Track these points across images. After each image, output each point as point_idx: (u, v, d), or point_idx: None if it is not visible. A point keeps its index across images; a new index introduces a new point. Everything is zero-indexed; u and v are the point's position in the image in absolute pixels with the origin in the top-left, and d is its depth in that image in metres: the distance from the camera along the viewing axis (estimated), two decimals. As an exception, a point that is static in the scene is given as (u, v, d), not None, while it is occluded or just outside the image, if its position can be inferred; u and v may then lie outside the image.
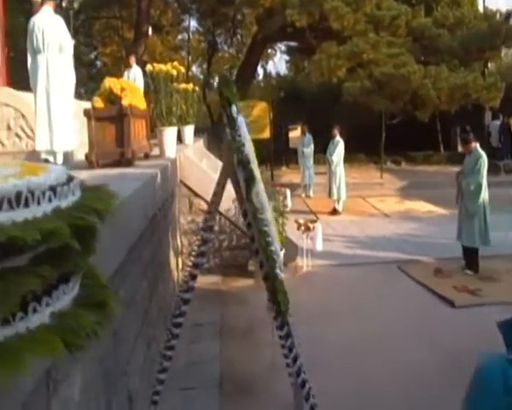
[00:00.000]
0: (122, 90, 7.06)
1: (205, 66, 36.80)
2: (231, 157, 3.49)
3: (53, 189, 1.62)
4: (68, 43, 7.06)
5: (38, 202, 1.55)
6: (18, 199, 1.50)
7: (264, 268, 3.67)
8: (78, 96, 7.50)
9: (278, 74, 38.16)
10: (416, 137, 24.42)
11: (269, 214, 3.83)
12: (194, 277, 3.96)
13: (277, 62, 72.83)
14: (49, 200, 1.59)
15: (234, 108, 3.51)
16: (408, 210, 15.99)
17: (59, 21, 7.07)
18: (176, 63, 8.78)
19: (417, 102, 21.37)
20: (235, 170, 3.47)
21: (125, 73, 14.13)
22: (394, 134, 23.30)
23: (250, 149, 3.62)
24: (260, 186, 3.65)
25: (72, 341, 1.53)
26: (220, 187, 3.76)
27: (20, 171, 1.80)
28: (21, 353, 1.44)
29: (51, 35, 6.88)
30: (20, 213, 1.48)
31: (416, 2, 23.34)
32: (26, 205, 1.51)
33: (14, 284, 1.46)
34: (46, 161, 6.82)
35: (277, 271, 3.59)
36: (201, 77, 36.93)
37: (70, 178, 1.79)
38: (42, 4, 7.39)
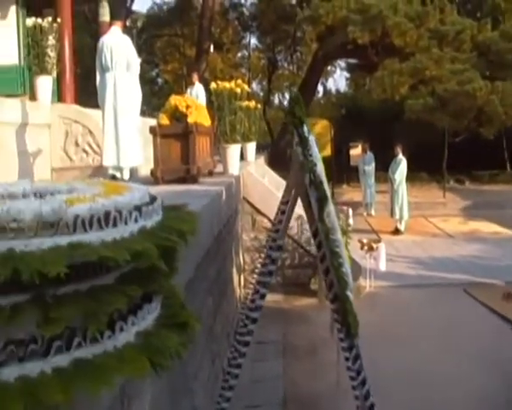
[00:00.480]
0: (187, 107, 7.15)
1: (265, 83, 37.02)
2: (303, 177, 3.47)
3: (138, 209, 1.63)
4: (135, 61, 7.20)
5: (126, 222, 1.56)
6: (107, 219, 1.52)
7: (333, 289, 3.61)
8: (141, 112, 7.68)
9: (338, 91, 38.08)
10: (481, 155, 23.72)
11: (339, 235, 3.79)
12: (262, 296, 3.94)
13: (337, 79, 72.72)
14: (136, 220, 1.60)
15: (305, 128, 3.49)
16: (473, 231, 15.58)
17: (126, 41, 7.23)
18: (239, 81, 8.85)
19: (482, 119, 20.85)
20: (307, 190, 3.45)
21: (188, 90, 14.32)
22: (457, 152, 22.74)
23: (322, 169, 3.59)
24: (331, 206, 3.61)
25: (158, 361, 1.53)
26: (290, 206, 3.74)
27: (105, 190, 1.83)
28: (109, 371, 1.45)
29: (119, 54, 7.03)
30: (109, 233, 1.50)
31: (482, 16, 22.82)
32: (115, 225, 1.53)
33: (103, 302, 1.47)
34: (113, 177, 6.95)
35: (348, 293, 3.53)
36: (261, 94, 37.14)
37: (153, 198, 1.81)
38: (110, 25, 7.58)
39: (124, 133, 6.97)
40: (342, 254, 3.60)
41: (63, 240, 1.42)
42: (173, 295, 1.86)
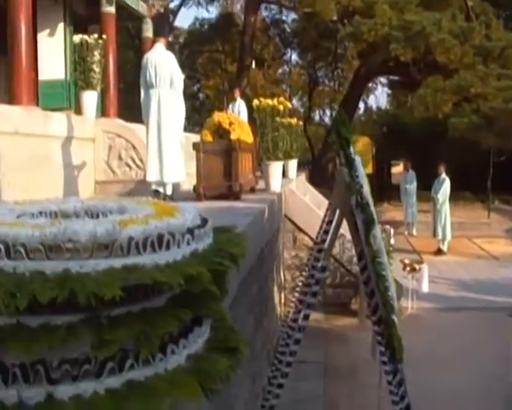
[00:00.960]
0: (231, 124, 7.19)
1: (305, 99, 37.02)
2: (349, 198, 3.44)
3: (191, 231, 1.63)
4: (179, 78, 7.23)
5: (178, 245, 1.56)
6: (160, 241, 1.52)
7: (378, 312, 3.56)
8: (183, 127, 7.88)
9: (379, 108, 37.85)
10: (527, 175, 23.24)
11: (385, 258, 3.74)
12: (306, 316, 3.91)
13: (378, 96, 72.29)
14: (188, 243, 1.60)
15: (352, 149, 3.46)
16: (519, 253, 15.19)
17: (170, 57, 7.28)
18: (282, 98, 8.86)
19: (529, 138, 20.41)
20: (353, 211, 3.41)
21: (230, 106, 14.40)
22: (503, 171, 22.26)
23: (368, 191, 3.55)
24: (378, 229, 3.57)
25: (209, 385, 1.52)
26: (334, 227, 3.70)
27: (156, 211, 1.83)
28: (160, 393, 1.45)
29: (163, 70, 7.09)
30: (162, 256, 1.50)
31: (530, 31, 22.36)
32: (168, 247, 1.53)
33: (155, 325, 1.47)
34: (156, 192, 7.00)
35: (394, 317, 3.47)
36: (302, 110, 37.16)
37: (204, 220, 1.81)
38: (154, 41, 7.67)
39: (167, 149, 7.02)
40: (388, 278, 3.55)
41: (118, 262, 1.42)
42: (222, 317, 1.85)
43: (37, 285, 1.34)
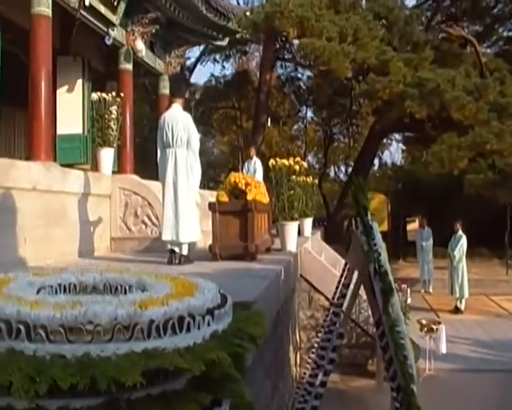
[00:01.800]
0: (247, 185, 7.22)
1: (320, 155, 37.19)
2: (367, 265, 3.42)
3: (211, 312, 1.63)
4: (195, 138, 7.26)
5: (198, 327, 1.56)
6: (181, 324, 1.51)
7: (397, 380, 3.50)
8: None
9: (394, 164, 37.89)
10: (546, 231, 22.95)
11: (404, 326, 3.69)
12: (323, 384, 3.84)
13: (393, 152, 72.50)
14: (208, 324, 1.59)
15: (369, 216, 3.46)
16: (541, 312, 14.92)
17: (187, 118, 7.32)
18: (298, 158, 8.90)
19: (547, 194, 20.26)
20: (372, 279, 3.39)
21: (246, 164, 14.46)
22: (521, 227, 22.07)
23: (386, 259, 3.53)
24: (396, 297, 3.53)
25: None
26: (352, 292, 3.67)
27: (176, 289, 1.83)
28: None
29: (180, 131, 7.14)
30: (182, 339, 1.49)
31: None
32: (188, 330, 1.52)
33: (175, 409, 1.46)
34: (172, 251, 7.00)
35: (413, 386, 3.41)
36: (317, 166, 37.33)
37: (224, 298, 1.80)
38: (171, 101, 7.76)
39: (183, 209, 7.02)
40: (407, 346, 3.50)
41: (138, 346, 1.42)
42: (241, 395, 1.82)
43: (58, 370, 1.34)
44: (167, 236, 7.04)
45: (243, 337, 1.64)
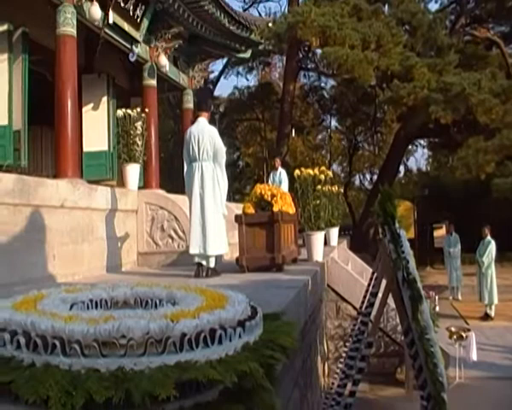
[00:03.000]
0: (273, 196, 7.24)
1: (345, 164, 37.08)
2: (395, 273, 3.41)
3: (242, 324, 1.65)
4: (221, 152, 7.27)
5: (230, 339, 1.58)
6: (212, 336, 1.54)
7: (427, 389, 3.48)
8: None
9: (419, 170, 37.62)
10: None
11: (433, 333, 3.67)
12: (352, 394, 3.83)
13: (418, 158, 72.02)
14: (240, 336, 1.61)
15: (397, 224, 3.45)
16: None
17: (213, 132, 7.34)
18: (323, 168, 8.90)
19: None
20: (400, 287, 3.38)
21: (271, 175, 14.49)
22: (550, 231, 21.75)
23: (414, 266, 3.52)
24: (425, 305, 3.52)
25: None
26: (381, 302, 3.67)
27: (206, 301, 1.85)
28: None
29: (206, 144, 7.18)
30: (214, 351, 1.51)
31: None
32: (220, 342, 1.55)
33: (208, 422, 1.48)
34: (199, 264, 7.02)
35: (443, 394, 3.38)
36: (342, 175, 37.22)
37: (254, 310, 1.82)
38: (197, 115, 7.80)
39: (210, 223, 7.03)
40: (437, 355, 3.48)
41: (171, 359, 1.44)
42: (272, 406, 1.83)
43: (93, 384, 1.36)
44: (195, 249, 7.06)
45: (274, 348, 1.65)
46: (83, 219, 7.62)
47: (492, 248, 15.25)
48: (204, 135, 7.20)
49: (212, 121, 8.51)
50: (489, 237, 15.41)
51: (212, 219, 7.01)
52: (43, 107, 9.54)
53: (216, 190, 7.10)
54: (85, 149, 11.77)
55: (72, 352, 1.46)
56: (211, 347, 1.52)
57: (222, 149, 7.24)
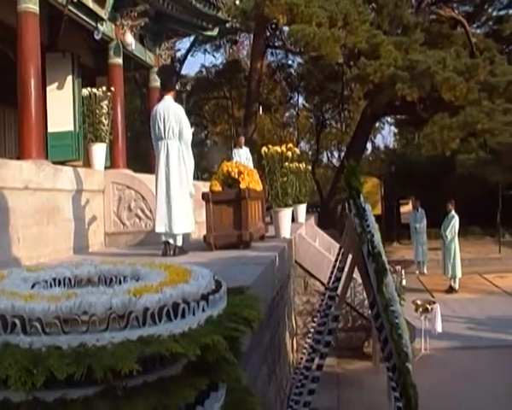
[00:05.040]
0: (239, 173, 7.22)
1: (313, 141, 37.17)
2: (360, 247, 3.45)
3: (205, 298, 1.64)
4: (187, 130, 7.21)
5: (193, 313, 1.58)
6: (175, 310, 1.53)
7: (392, 360, 3.53)
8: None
9: (387, 147, 37.94)
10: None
11: (398, 305, 3.72)
12: (320, 367, 3.88)
13: (385, 135, 72.47)
14: (203, 309, 1.61)
15: (362, 198, 3.48)
16: (533, 288, 15.03)
17: (178, 110, 7.26)
18: (290, 145, 8.91)
19: (538, 170, 20.34)
20: (365, 261, 3.42)
21: (235, 152, 14.41)
22: (512, 204, 22.17)
23: (379, 240, 3.56)
24: (390, 277, 3.57)
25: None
26: (347, 275, 3.70)
27: (169, 276, 1.85)
28: None
29: (171, 123, 7.12)
30: (177, 325, 1.51)
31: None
32: (183, 316, 1.54)
33: (172, 395, 1.47)
34: (166, 243, 7.00)
35: (408, 364, 3.44)
36: (310, 152, 37.32)
37: (218, 284, 1.82)
38: (162, 93, 7.72)
39: (176, 201, 6.98)
40: (402, 326, 3.53)
41: (133, 334, 1.43)
42: (237, 379, 1.84)
43: (54, 361, 1.35)
44: (161, 228, 7.05)
45: (238, 321, 1.66)
46: (48, 200, 7.51)
47: (456, 222, 15.54)
48: (169, 113, 7.14)
49: (179, 100, 8.44)
50: (453, 212, 15.68)
51: (177, 198, 6.97)
52: (5, 86, 9.33)
53: (182, 168, 7.05)
54: (50, 129, 11.57)
55: (32, 330, 1.44)
56: (174, 321, 1.51)
57: (187, 126, 7.19)
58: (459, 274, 15.35)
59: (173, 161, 7.03)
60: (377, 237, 3.53)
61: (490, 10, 26.13)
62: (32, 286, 1.96)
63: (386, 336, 3.58)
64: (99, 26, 10.47)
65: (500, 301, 13.55)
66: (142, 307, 1.48)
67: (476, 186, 22.01)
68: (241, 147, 14.39)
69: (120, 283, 2.07)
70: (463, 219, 16.79)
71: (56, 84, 11.85)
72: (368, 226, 3.44)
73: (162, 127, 7.14)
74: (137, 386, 1.47)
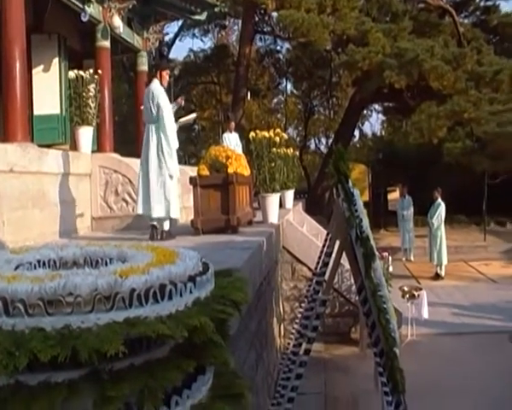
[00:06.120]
0: (227, 158, 7.19)
1: (300, 128, 37.13)
2: (348, 232, 3.43)
3: (193, 279, 1.62)
4: (164, 109, 7.00)
5: (180, 294, 1.55)
6: (162, 292, 1.50)
7: (380, 345, 3.53)
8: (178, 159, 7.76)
9: (374, 135, 37.97)
10: (522, 197, 23.19)
11: (386, 290, 3.72)
12: (307, 351, 3.87)
13: (373, 123, 72.65)
14: (190, 291, 1.58)
15: (350, 183, 3.46)
16: (517, 275, 15.18)
17: (156, 90, 7.07)
18: (278, 130, 8.88)
19: (523, 159, 20.49)
20: (353, 245, 3.40)
21: (225, 137, 14.33)
22: (497, 193, 22.21)
23: (367, 224, 3.54)
24: (378, 262, 3.56)
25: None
26: (335, 260, 3.69)
27: (156, 257, 1.82)
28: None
29: (151, 105, 7.02)
30: (164, 307, 1.48)
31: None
32: (170, 298, 1.51)
33: (159, 378, 1.45)
34: (154, 227, 6.94)
35: (395, 349, 3.44)
36: (297, 139, 37.28)
37: (206, 266, 1.79)
38: (150, 76, 7.61)
39: (153, 186, 6.86)
40: (389, 311, 3.53)
41: (119, 316, 1.40)
42: (225, 363, 1.82)
43: (37, 343, 1.32)
44: (140, 209, 7.02)
45: (226, 303, 1.63)
46: (33, 183, 7.43)
47: (442, 210, 15.63)
48: (149, 96, 7.07)
49: (166, 85, 8.32)
50: (439, 200, 15.77)
51: (155, 182, 6.88)
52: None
53: (159, 151, 6.94)
54: (36, 112, 11.45)
55: (15, 312, 1.41)
56: (161, 302, 1.49)
57: (166, 108, 7.02)
58: (445, 261, 15.46)
59: (152, 145, 6.95)
60: (365, 222, 3.52)
61: (477, 0, 26.21)
62: (16, 268, 1.92)
63: (374, 320, 3.58)
64: (86, 7, 10.31)
65: (485, 288, 13.69)
66: (129, 288, 1.45)
67: (462, 175, 22.10)
68: (230, 132, 14.31)
69: (106, 265, 2.04)
70: (450, 207, 16.89)
71: (42, 66, 11.70)
72: (356, 211, 3.43)
73: (145, 110, 7.12)
74: (123, 369, 1.44)
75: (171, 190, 6.95)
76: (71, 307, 1.41)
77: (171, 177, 6.96)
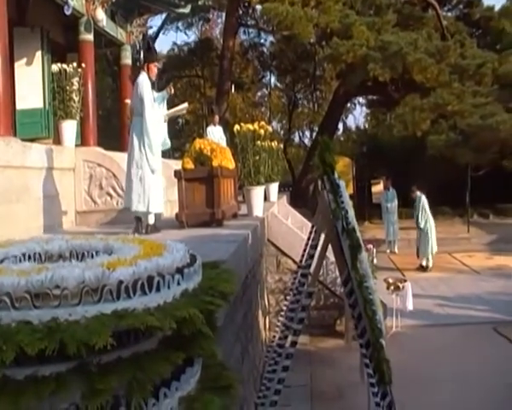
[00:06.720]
0: (212, 151, 7.17)
1: (285, 121, 37.10)
2: (334, 223, 3.44)
3: (180, 271, 1.61)
4: (146, 104, 6.91)
5: (168, 286, 1.55)
6: (150, 283, 1.50)
7: (366, 336, 3.55)
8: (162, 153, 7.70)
9: (358, 128, 38.06)
10: (505, 189, 23.40)
11: (372, 282, 3.73)
12: (293, 343, 3.88)
13: (357, 115, 72.82)
14: (178, 283, 1.58)
15: (336, 174, 3.46)
16: (500, 266, 15.32)
17: (139, 83, 7.00)
18: (262, 123, 8.87)
19: (505, 152, 20.64)
20: (339, 237, 3.41)
21: (209, 130, 14.27)
22: (481, 185, 22.41)
23: (353, 216, 3.55)
24: (364, 253, 3.57)
25: (203, 429, 1.50)
26: (320, 252, 3.70)
27: (143, 250, 1.81)
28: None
29: (134, 99, 6.99)
30: (152, 298, 1.48)
31: (502, 48, 22.63)
32: (158, 289, 1.51)
33: (147, 370, 1.45)
34: (138, 219, 6.90)
35: (381, 340, 3.46)
36: (281, 132, 37.26)
37: (193, 258, 1.79)
38: (139, 69, 7.56)
39: (133, 180, 6.82)
40: (375, 302, 3.54)
41: (107, 308, 1.40)
42: (213, 355, 1.82)
43: (24, 336, 1.31)
44: (124, 203, 7.03)
45: (214, 294, 1.63)
46: (17, 178, 7.36)
47: (424, 203, 15.76)
48: (137, 89, 7.03)
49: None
50: (418, 194, 15.87)
51: (134, 176, 6.85)
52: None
53: (141, 145, 6.88)
54: (19, 106, 11.31)
55: (1, 305, 1.40)
56: (149, 294, 1.48)
57: (147, 100, 6.89)
58: (435, 248, 15.57)
59: (134, 138, 6.91)
60: (351, 214, 3.53)
61: (460, -7, 26.29)
62: (1, 262, 1.91)
63: (360, 312, 3.59)
64: (69, 0, 10.23)
65: (469, 280, 13.80)
66: (116, 280, 1.45)
67: (446, 167, 22.20)
68: (214, 125, 14.27)
69: (92, 258, 2.02)
70: (433, 199, 16.97)
71: (25, 59, 11.58)
72: (342, 203, 3.43)
73: (131, 103, 7.08)
74: (111, 361, 1.44)
75: (151, 184, 6.87)
76: (58, 300, 1.41)
77: (152, 171, 6.88)
